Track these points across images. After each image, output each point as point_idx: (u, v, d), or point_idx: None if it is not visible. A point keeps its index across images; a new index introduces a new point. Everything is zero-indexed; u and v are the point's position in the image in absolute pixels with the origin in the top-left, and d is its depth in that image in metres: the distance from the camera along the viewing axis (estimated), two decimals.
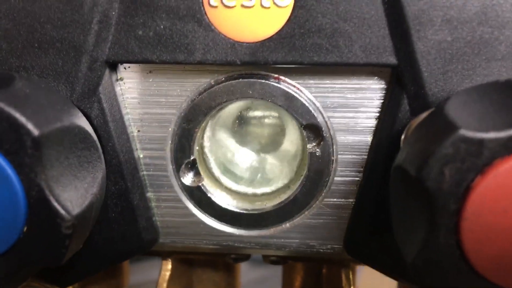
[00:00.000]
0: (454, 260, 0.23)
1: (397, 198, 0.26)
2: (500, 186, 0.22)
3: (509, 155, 0.22)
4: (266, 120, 0.35)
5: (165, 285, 0.37)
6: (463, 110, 0.24)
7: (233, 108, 0.34)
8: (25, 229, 0.25)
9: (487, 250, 0.23)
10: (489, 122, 0.23)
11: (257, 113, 0.34)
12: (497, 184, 0.22)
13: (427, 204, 0.23)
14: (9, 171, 0.24)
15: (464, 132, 0.22)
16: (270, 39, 0.28)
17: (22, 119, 0.23)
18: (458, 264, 0.23)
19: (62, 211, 0.24)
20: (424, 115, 0.26)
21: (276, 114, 0.34)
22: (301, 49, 0.28)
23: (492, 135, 0.22)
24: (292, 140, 0.34)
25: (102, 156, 0.29)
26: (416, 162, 0.23)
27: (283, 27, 0.28)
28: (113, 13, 0.28)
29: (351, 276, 0.36)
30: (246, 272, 0.47)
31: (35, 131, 0.23)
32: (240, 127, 0.34)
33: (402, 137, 0.28)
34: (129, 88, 0.31)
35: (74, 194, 0.26)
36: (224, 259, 0.39)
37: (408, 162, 0.24)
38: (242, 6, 0.27)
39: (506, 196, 0.22)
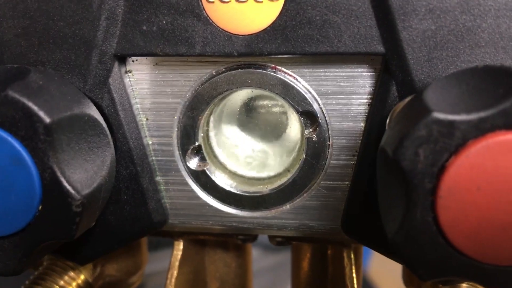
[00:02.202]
0: (431, 236, 0.25)
1: (381, 178, 0.27)
2: (473, 166, 0.24)
3: (481, 136, 0.24)
4: (269, 109, 0.36)
5: (177, 264, 0.39)
6: (440, 95, 0.25)
7: (237, 98, 0.36)
8: (40, 207, 0.27)
9: (463, 225, 0.24)
10: (462, 105, 0.24)
11: (260, 102, 0.36)
12: (470, 164, 0.24)
13: (404, 184, 0.25)
14: (25, 155, 0.27)
15: (436, 114, 0.24)
16: (264, 31, 0.30)
17: (34, 108, 0.26)
18: (435, 240, 0.25)
19: (72, 191, 0.27)
20: (406, 100, 0.28)
21: (279, 103, 0.36)
22: (294, 40, 0.30)
23: (463, 117, 0.23)
24: (292, 127, 0.36)
25: (111, 142, 0.31)
26: (393, 144, 0.25)
27: (275, 20, 0.30)
28: (119, 10, 0.30)
29: (352, 256, 0.38)
30: (257, 260, 0.49)
31: (47, 119, 0.26)
32: (244, 115, 0.36)
33: (387, 121, 0.29)
34: (137, 79, 0.33)
35: (84, 176, 0.28)
36: (233, 239, 0.41)
37: (387, 144, 0.26)
38: (237, 0, 0.29)
39: (479, 174, 0.24)
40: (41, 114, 0.26)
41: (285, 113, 0.36)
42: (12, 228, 0.28)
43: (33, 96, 0.26)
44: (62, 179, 0.27)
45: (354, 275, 0.37)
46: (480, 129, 0.23)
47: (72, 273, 0.39)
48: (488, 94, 0.24)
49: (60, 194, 0.27)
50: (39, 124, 0.26)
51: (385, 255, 0.33)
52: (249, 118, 0.37)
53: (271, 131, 0.37)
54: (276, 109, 0.36)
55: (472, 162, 0.24)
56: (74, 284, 0.39)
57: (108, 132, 0.31)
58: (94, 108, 0.31)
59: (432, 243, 0.25)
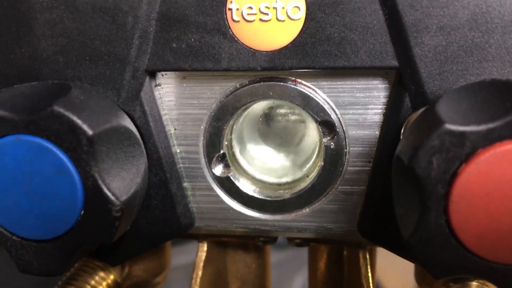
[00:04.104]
0: (444, 237, 0.27)
1: (396, 184, 0.30)
2: (483, 172, 0.26)
3: (489, 145, 0.26)
4: (288, 119, 0.39)
5: (201, 264, 0.41)
6: (451, 107, 0.27)
7: (258, 108, 0.38)
8: (82, 212, 0.30)
9: (474, 228, 0.27)
10: (471, 117, 0.26)
11: (280, 112, 0.39)
12: (479, 171, 0.26)
13: (419, 190, 0.27)
14: (69, 165, 0.29)
15: (448, 126, 0.26)
16: (286, 47, 0.32)
17: (78, 121, 0.28)
18: (448, 241, 0.27)
19: (112, 197, 0.29)
20: (420, 111, 0.30)
21: (297, 112, 0.38)
22: (313, 55, 0.32)
23: (472, 128, 0.25)
24: (310, 135, 0.38)
25: (144, 152, 0.34)
26: (408, 153, 0.27)
27: (296, 37, 0.32)
28: (151, 29, 0.33)
29: (367, 256, 0.40)
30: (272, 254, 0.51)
31: (89, 131, 0.28)
32: (264, 125, 0.39)
33: (402, 130, 0.31)
34: (166, 92, 0.36)
35: (122, 183, 0.30)
36: (254, 241, 0.43)
37: (402, 153, 0.28)
38: (261, 20, 0.32)
39: (488, 180, 0.26)
40: (85, 127, 0.28)
41: (303, 122, 0.38)
42: (56, 232, 0.30)
43: (76, 110, 0.29)
44: (103, 187, 0.29)
45: (369, 274, 0.40)
46: (489, 139, 0.25)
47: (102, 274, 0.41)
48: (496, 107, 0.26)
49: (101, 200, 0.29)
50: (83, 137, 0.28)
51: (399, 255, 0.35)
52: (269, 127, 0.39)
53: (290, 139, 0.39)
54: (295, 119, 0.38)
55: (481, 169, 0.26)
56: (104, 283, 0.41)
57: (141, 142, 0.33)
58: (129, 120, 0.33)
59: (445, 244, 0.27)
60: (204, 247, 0.42)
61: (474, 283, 0.38)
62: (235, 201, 0.37)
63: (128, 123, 0.32)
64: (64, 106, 0.29)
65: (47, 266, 0.31)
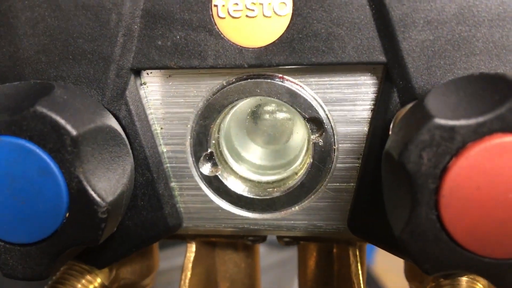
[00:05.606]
0: (435, 232, 0.27)
1: (386, 180, 0.29)
2: (473, 167, 0.26)
3: (479, 139, 0.26)
4: (276, 116, 0.38)
5: (190, 265, 0.41)
6: (440, 101, 0.27)
7: (245, 106, 0.38)
8: (67, 215, 0.29)
9: (464, 222, 0.26)
10: (461, 111, 0.26)
11: (268, 110, 0.38)
12: (470, 165, 0.26)
13: (409, 185, 0.26)
14: (53, 166, 0.28)
15: (437, 120, 0.25)
16: (272, 44, 0.32)
17: (62, 121, 0.28)
18: (439, 236, 0.27)
19: (98, 199, 0.29)
20: (408, 106, 0.30)
21: (285, 110, 0.38)
22: (301, 51, 0.32)
23: (462, 122, 0.25)
24: (299, 132, 0.38)
25: (130, 151, 0.33)
26: (398, 148, 0.27)
27: (283, 33, 0.31)
28: (136, 27, 0.32)
29: (357, 253, 0.40)
30: (263, 257, 0.51)
31: (73, 131, 0.28)
32: (252, 122, 0.38)
33: (391, 126, 0.31)
34: (152, 91, 0.35)
35: (108, 184, 0.30)
36: (243, 241, 0.43)
37: (392, 148, 0.28)
38: (247, 16, 0.31)
39: (478, 175, 0.26)
40: (68, 127, 0.28)
41: (291, 119, 0.38)
42: (40, 235, 0.30)
43: (59, 110, 0.28)
44: (88, 188, 0.28)
45: (360, 271, 0.39)
46: (479, 133, 0.25)
47: (89, 277, 0.41)
48: (485, 100, 0.26)
49: (86, 202, 0.29)
50: (66, 137, 0.28)
51: (389, 251, 0.35)
52: (257, 125, 0.38)
53: (279, 137, 0.39)
54: (283, 116, 0.38)
55: (471, 163, 0.26)
56: (91, 287, 0.41)
57: (127, 142, 0.33)
58: (114, 119, 0.32)
59: (436, 239, 0.27)
60: (193, 247, 0.41)
61: (464, 279, 0.38)
62: (224, 201, 0.37)
63: (113, 122, 0.32)
64: (47, 106, 0.28)
65: (32, 270, 0.31)
